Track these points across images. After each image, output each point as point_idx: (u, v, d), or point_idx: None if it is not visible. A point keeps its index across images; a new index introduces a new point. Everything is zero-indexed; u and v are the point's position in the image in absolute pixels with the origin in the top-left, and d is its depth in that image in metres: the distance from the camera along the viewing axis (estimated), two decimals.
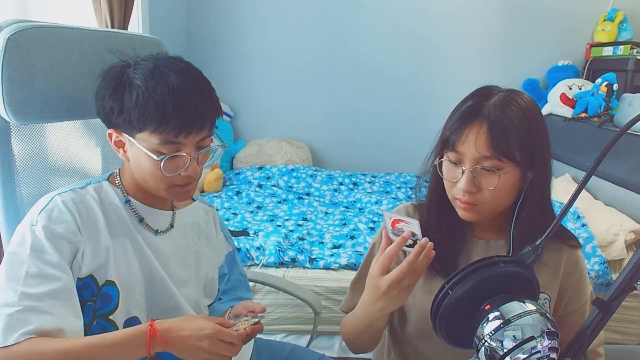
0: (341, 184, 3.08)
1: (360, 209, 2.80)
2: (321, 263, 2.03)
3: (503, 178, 0.87)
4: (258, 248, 2.07)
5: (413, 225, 0.82)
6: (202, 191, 2.90)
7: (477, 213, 0.91)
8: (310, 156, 3.38)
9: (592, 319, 0.72)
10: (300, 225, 2.49)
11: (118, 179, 0.95)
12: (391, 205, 2.77)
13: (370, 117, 3.39)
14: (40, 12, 2.04)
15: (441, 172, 0.94)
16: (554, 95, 2.94)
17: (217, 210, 1.17)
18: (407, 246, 0.82)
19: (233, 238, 1.22)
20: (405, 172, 3.24)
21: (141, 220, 0.95)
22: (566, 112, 2.85)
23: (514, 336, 0.65)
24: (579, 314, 1.01)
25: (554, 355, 0.65)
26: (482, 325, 0.69)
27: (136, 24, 2.59)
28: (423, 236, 0.82)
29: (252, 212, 2.65)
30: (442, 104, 3.18)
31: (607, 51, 2.96)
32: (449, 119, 0.93)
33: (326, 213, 2.73)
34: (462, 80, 3.22)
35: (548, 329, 0.65)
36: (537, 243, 0.72)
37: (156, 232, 0.97)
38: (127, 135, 0.87)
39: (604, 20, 3.06)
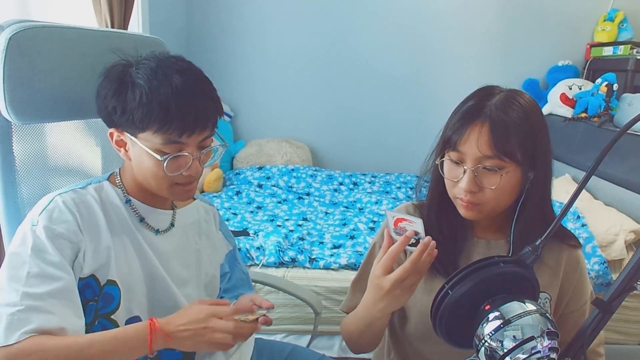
0: (341, 184, 3.08)
1: (360, 209, 2.80)
2: (321, 263, 2.04)
3: (504, 177, 0.87)
4: (258, 248, 2.07)
5: (416, 224, 0.82)
6: (202, 191, 2.90)
7: (478, 212, 0.91)
8: (310, 156, 3.38)
9: (592, 319, 0.72)
10: (300, 225, 2.49)
11: (118, 178, 0.95)
12: (391, 205, 2.77)
13: (370, 117, 3.39)
14: (40, 12, 2.04)
15: (442, 172, 0.94)
16: (554, 95, 2.94)
17: (217, 210, 1.17)
18: (409, 245, 0.82)
19: (234, 238, 1.21)
20: (405, 172, 3.24)
21: (142, 220, 0.95)
22: (566, 112, 2.85)
23: (514, 336, 0.65)
24: (579, 313, 1.01)
25: (554, 355, 0.65)
26: (482, 325, 0.69)
27: (136, 24, 2.59)
28: (425, 235, 0.82)
29: (252, 212, 2.65)
30: (442, 104, 3.18)
31: (607, 51, 2.96)
32: (450, 118, 0.93)
33: (326, 213, 2.73)
34: (462, 80, 3.22)
35: (548, 329, 0.65)
36: (537, 243, 0.73)
37: (157, 231, 0.97)
38: (129, 135, 0.87)
39: (604, 20, 3.06)
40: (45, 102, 0.94)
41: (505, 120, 0.87)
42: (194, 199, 1.10)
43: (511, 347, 0.65)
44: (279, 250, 2.06)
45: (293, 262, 2.05)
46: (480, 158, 0.87)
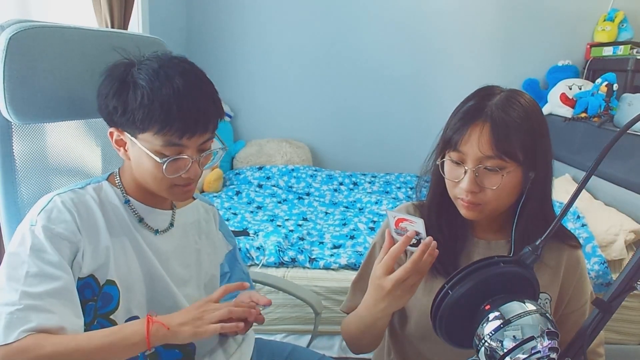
0: (341, 184, 3.08)
1: (360, 209, 2.80)
2: (321, 263, 2.04)
3: (505, 178, 0.87)
4: (258, 248, 2.07)
5: (417, 224, 0.82)
6: (202, 191, 2.90)
7: (479, 212, 0.91)
8: (310, 156, 3.38)
9: (592, 319, 0.72)
10: (300, 225, 2.49)
11: (118, 178, 0.95)
12: (391, 205, 2.76)
13: (370, 117, 3.39)
14: (40, 12, 2.04)
15: (443, 172, 0.94)
16: (554, 95, 2.94)
17: (217, 210, 1.17)
18: (410, 245, 0.82)
19: (234, 237, 1.21)
20: (405, 172, 3.24)
21: (141, 220, 0.95)
22: (566, 112, 2.85)
23: (514, 336, 0.65)
24: (579, 313, 1.01)
25: (554, 355, 0.65)
26: (482, 325, 0.69)
27: (136, 24, 2.59)
28: (426, 235, 0.82)
29: (252, 212, 2.65)
30: (442, 104, 3.18)
31: (607, 51, 2.96)
32: (451, 119, 0.93)
33: (326, 213, 2.73)
34: (462, 80, 3.22)
35: (548, 329, 0.65)
36: (537, 243, 0.73)
37: (156, 231, 0.97)
38: (129, 135, 0.87)
39: (604, 20, 3.06)
40: (45, 102, 0.94)
41: (506, 120, 0.87)
42: (194, 199, 1.10)
43: (511, 347, 0.65)
44: (279, 250, 2.06)
45: (293, 262, 2.05)
46: (481, 158, 0.87)
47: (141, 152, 0.86)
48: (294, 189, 3.01)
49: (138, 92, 0.83)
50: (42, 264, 0.79)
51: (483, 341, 0.68)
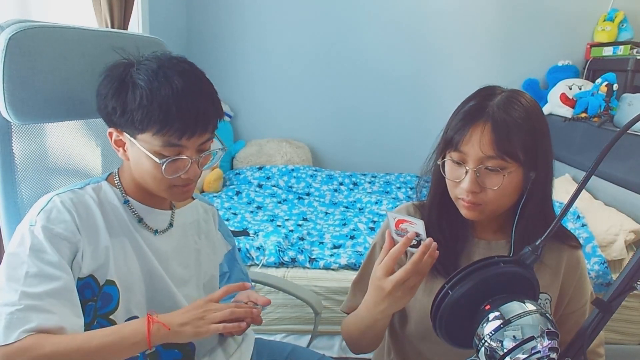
0: (341, 184, 3.08)
1: (360, 209, 2.80)
2: (321, 263, 2.03)
3: (506, 178, 0.87)
4: (258, 248, 2.07)
5: (417, 226, 0.82)
6: (202, 191, 2.90)
7: (480, 212, 0.91)
8: (310, 156, 3.38)
9: (592, 319, 0.72)
10: (300, 225, 2.49)
11: (117, 178, 0.95)
12: (391, 205, 2.77)
13: (370, 117, 3.39)
14: (40, 12, 2.04)
15: (444, 172, 0.94)
16: (554, 95, 2.94)
17: (217, 210, 1.17)
18: (410, 246, 0.82)
19: (234, 237, 1.21)
20: (405, 172, 3.24)
21: (140, 220, 0.95)
22: (566, 112, 2.85)
23: (514, 336, 0.65)
24: (579, 313, 1.01)
25: (554, 355, 0.65)
26: (482, 325, 0.69)
27: (136, 24, 2.59)
28: (426, 236, 0.82)
29: (252, 212, 2.65)
30: (442, 104, 3.19)
31: (607, 51, 2.96)
32: (452, 119, 0.93)
33: (326, 213, 2.73)
34: (462, 80, 3.22)
35: (548, 329, 0.65)
36: (537, 243, 0.73)
37: (155, 231, 0.97)
38: (128, 136, 0.87)
39: (604, 20, 3.06)
40: (45, 102, 0.94)
41: (507, 121, 0.87)
42: (193, 199, 1.10)
43: (511, 347, 0.65)
44: (279, 250, 2.06)
45: (293, 262, 2.04)
46: (482, 158, 0.87)
47: (140, 152, 0.86)
48: (294, 189, 3.01)
49: (137, 92, 0.83)
50: (41, 264, 0.79)
51: (483, 341, 0.68)
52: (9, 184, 0.97)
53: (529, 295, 0.72)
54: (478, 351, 0.69)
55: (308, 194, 2.99)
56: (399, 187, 3.06)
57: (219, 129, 0.93)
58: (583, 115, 2.71)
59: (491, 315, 0.68)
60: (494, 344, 0.66)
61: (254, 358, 1.11)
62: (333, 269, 2.03)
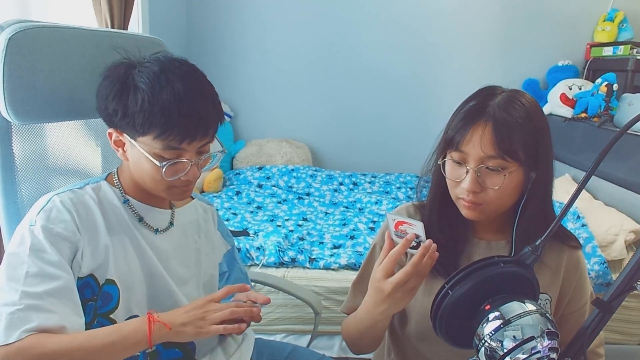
0: (341, 184, 3.08)
1: (360, 209, 2.80)
2: (321, 263, 2.03)
3: (507, 178, 0.87)
4: (258, 248, 2.07)
5: (417, 227, 0.82)
6: (202, 191, 2.90)
7: (480, 212, 0.91)
8: (310, 156, 3.38)
9: (592, 319, 0.72)
10: (300, 226, 2.49)
11: (116, 178, 0.95)
12: (391, 205, 2.77)
13: (370, 117, 3.39)
14: (40, 12, 2.04)
15: (444, 172, 0.94)
16: (554, 95, 2.94)
17: (217, 210, 1.17)
18: (410, 248, 0.82)
19: (233, 237, 1.22)
20: (405, 172, 3.24)
21: (141, 219, 0.95)
22: (566, 112, 2.85)
23: (514, 336, 0.65)
24: (580, 314, 1.01)
25: (554, 355, 0.65)
26: (482, 325, 0.69)
27: (136, 24, 2.59)
28: (426, 237, 0.82)
29: (252, 212, 2.65)
30: (442, 104, 3.19)
31: (607, 51, 2.96)
32: (452, 119, 0.93)
33: (326, 213, 2.73)
34: (462, 80, 3.22)
35: (548, 329, 0.65)
36: (537, 243, 0.72)
37: (156, 230, 0.97)
38: (128, 137, 0.87)
39: (604, 20, 3.06)
40: (45, 102, 0.94)
41: (508, 120, 0.86)
42: (192, 199, 1.10)
43: (511, 347, 0.65)
44: (279, 250, 2.06)
45: (293, 262, 2.04)
46: (483, 158, 0.87)
47: (140, 154, 0.86)
48: (294, 189, 3.01)
49: (139, 95, 0.83)
50: (42, 264, 0.79)
51: (483, 341, 0.68)
52: (9, 184, 0.97)
53: (529, 295, 0.72)
54: (478, 351, 0.69)
55: (308, 194, 2.99)
56: (399, 187, 3.06)
57: (219, 129, 0.93)
58: (583, 115, 2.71)
59: (491, 315, 0.68)
60: (494, 344, 0.66)
61: (254, 358, 1.11)
62: (333, 269, 2.03)
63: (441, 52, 3.28)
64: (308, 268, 2.04)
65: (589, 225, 2.15)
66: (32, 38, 0.90)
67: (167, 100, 0.82)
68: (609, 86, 2.60)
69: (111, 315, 0.88)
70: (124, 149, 0.90)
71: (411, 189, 3.04)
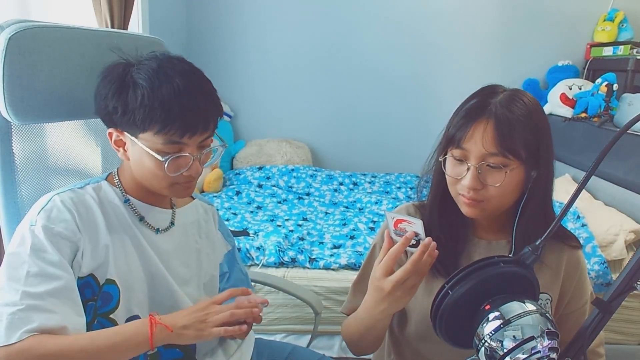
0: (341, 184, 3.08)
1: (360, 209, 2.80)
2: (321, 263, 2.03)
3: (508, 175, 0.87)
4: (258, 248, 2.07)
5: (416, 225, 0.81)
6: (202, 191, 2.90)
7: (481, 210, 0.91)
8: (310, 156, 3.38)
9: (592, 319, 0.72)
10: (300, 225, 2.49)
11: (117, 178, 0.95)
12: (391, 205, 2.77)
13: (370, 117, 3.39)
14: (40, 12, 2.04)
15: (444, 169, 0.94)
16: (554, 95, 2.94)
17: (217, 210, 1.17)
18: (410, 246, 0.82)
19: (233, 238, 1.22)
20: (405, 172, 3.24)
21: (142, 219, 0.95)
22: (566, 112, 2.85)
23: (514, 336, 0.65)
24: (579, 313, 1.01)
25: (554, 355, 0.65)
26: (482, 325, 0.69)
27: (136, 24, 2.59)
28: (426, 236, 0.82)
29: (252, 212, 2.65)
30: (442, 104, 3.19)
31: (607, 51, 2.96)
32: (453, 116, 0.93)
33: (326, 213, 2.73)
34: (462, 80, 3.22)
35: (548, 329, 0.65)
36: (537, 243, 0.72)
37: (157, 230, 0.97)
38: (128, 135, 0.87)
39: (604, 20, 3.06)
40: (45, 102, 0.94)
41: (510, 118, 0.87)
42: (193, 199, 1.10)
43: (511, 347, 0.65)
44: (279, 250, 2.06)
45: (293, 262, 2.04)
46: (484, 155, 0.87)
47: (142, 151, 0.86)
48: (294, 189, 3.01)
49: (138, 91, 0.83)
50: (42, 264, 0.79)
51: (483, 341, 0.68)
52: (9, 184, 0.97)
53: (529, 295, 0.72)
54: (478, 351, 0.69)
55: (308, 194, 2.99)
56: (399, 187, 3.06)
57: (219, 129, 0.93)
58: (583, 115, 2.71)
59: (491, 315, 0.68)
60: (494, 344, 0.66)
61: (254, 358, 1.11)
62: (333, 269, 2.03)
63: (441, 52, 3.28)
64: (308, 268, 2.04)
65: (589, 225, 2.15)
66: (32, 38, 0.90)
67: (166, 95, 0.82)
68: (609, 86, 2.60)
69: (111, 315, 0.88)
70: (125, 148, 0.90)
71: (411, 189, 3.04)
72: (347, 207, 2.85)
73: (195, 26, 3.30)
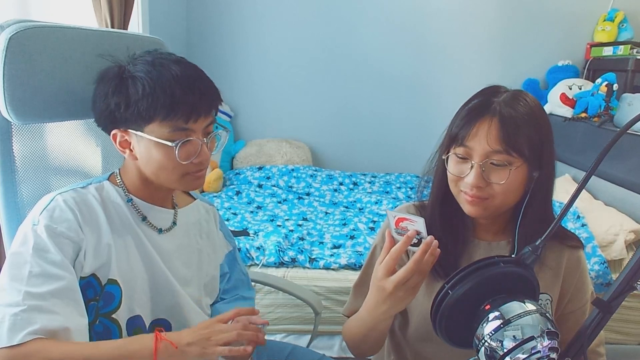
0: (341, 184, 3.08)
1: (360, 209, 2.80)
2: (321, 263, 2.04)
3: (512, 173, 0.87)
4: (258, 248, 2.07)
5: (418, 224, 0.81)
6: (202, 191, 2.90)
7: (484, 208, 0.91)
8: (310, 156, 3.38)
9: (592, 318, 0.72)
10: (300, 225, 2.49)
11: (119, 178, 0.95)
12: (391, 205, 2.77)
13: (370, 117, 3.39)
14: (40, 12, 2.04)
15: (447, 167, 0.93)
16: (554, 95, 2.94)
17: (217, 210, 1.17)
18: (411, 245, 0.81)
19: (234, 238, 1.21)
20: (405, 172, 3.24)
21: (144, 218, 0.95)
22: (566, 112, 2.85)
23: (514, 336, 0.65)
24: (580, 313, 1.01)
25: (554, 355, 0.65)
26: (482, 325, 0.69)
27: (136, 24, 2.59)
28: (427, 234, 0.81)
29: (252, 212, 2.65)
30: (442, 104, 3.20)
31: (607, 51, 2.96)
32: (456, 116, 0.93)
33: (326, 213, 2.73)
34: (462, 80, 3.22)
35: (548, 329, 0.65)
36: (537, 243, 0.72)
37: (159, 230, 0.97)
38: (133, 132, 0.87)
39: (604, 20, 3.06)
40: (45, 102, 0.94)
41: (515, 116, 0.87)
42: (194, 199, 1.10)
43: (511, 347, 0.65)
44: (279, 250, 2.06)
45: (293, 262, 2.05)
46: (488, 153, 0.87)
47: (150, 145, 0.86)
48: (294, 189, 3.01)
49: (138, 83, 0.85)
50: (44, 264, 0.79)
51: (483, 341, 0.68)
52: (9, 183, 0.96)
53: (529, 295, 0.72)
54: (478, 351, 0.69)
55: (308, 194, 2.99)
56: (399, 187, 3.06)
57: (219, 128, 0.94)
58: (583, 115, 2.71)
59: (491, 315, 0.68)
60: (494, 344, 0.66)
61: (254, 358, 1.11)
62: (333, 269, 2.03)
63: (441, 52, 3.28)
64: (308, 268, 2.04)
65: (589, 225, 2.15)
66: (32, 38, 0.90)
67: (167, 82, 0.84)
68: (609, 86, 2.60)
69: (113, 315, 0.88)
70: (131, 147, 0.90)
71: (411, 189, 3.04)
72: (347, 207, 2.85)
73: (195, 26, 3.30)
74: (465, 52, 3.27)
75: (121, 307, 0.89)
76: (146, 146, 0.87)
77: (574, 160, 2.64)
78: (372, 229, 2.46)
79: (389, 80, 3.33)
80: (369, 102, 3.37)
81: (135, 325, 0.91)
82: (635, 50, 2.75)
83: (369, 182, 3.11)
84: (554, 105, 2.93)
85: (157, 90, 0.83)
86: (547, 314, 0.67)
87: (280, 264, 2.03)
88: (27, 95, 0.90)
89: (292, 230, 2.37)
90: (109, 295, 0.88)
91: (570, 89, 2.88)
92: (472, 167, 0.88)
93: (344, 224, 2.53)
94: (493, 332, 0.67)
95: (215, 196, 2.82)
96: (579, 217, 2.21)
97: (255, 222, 2.47)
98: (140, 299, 0.92)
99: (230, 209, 2.62)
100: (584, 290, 1.02)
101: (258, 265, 2.01)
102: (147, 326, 0.94)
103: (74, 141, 1.09)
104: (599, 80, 2.70)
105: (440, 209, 0.99)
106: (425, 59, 3.30)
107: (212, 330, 0.84)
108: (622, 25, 3.00)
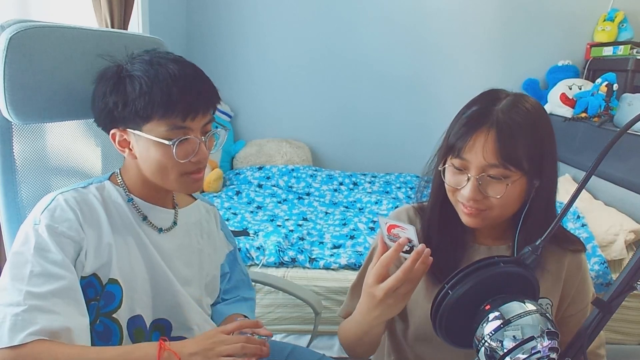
0: (341, 184, 3.08)
1: (360, 209, 2.80)
2: (321, 263, 2.04)
3: (510, 187, 0.85)
4: (258, 248, 2.07)
5: (409, 231, 0.79)
6: (202, 191, 2.90)
7: (482, 219, 0.89)
8: (310, 156, 3.38)
9: (592, 319, 0.72)
10: (300, 225, 2.49)
11: (120, 178, 0.95)
12: (391, 205, 2.77)
13: (370, 117, 3.39)
14: (40, 12, 2.04)
15: (444, 179, 0.92)
16: (554, 95, 2.94)
17: (217, 210, 1.17)
18: (404, 252, 0.80)
19: (235, 238, 1.21)
20: (405, 172, 3.24)
21: (145, 218, 0.95)
22: (566, 112, 2.85)
23: (514, 336, 0.65)
24: (581, 316, 1.01)
25: (554, 356, 0.65)
26: (482, 325, 0.69)
27: (136, 24, 2.59)
28: (426, 241, 0.80)
29: (252, 212, 2.65)
30: (442, 104, 3.20)
31: (607, 51, 2.96)
32: (454, 123, 0.90)
33: (326, 213, 2.73)
34: (462, 80, 3.22)
35: (548, 329, 0.65)
36: (537, 243, 0.72)
37: (160, 230, 0.97)
38: (132, 131, 0.87)
39: (604, 20, 3.06)
40: (45, 102, 0.94)
41: (513, 128, 0.83)
42: (195, 199, 1.10)
43: (511, 347, 0.65)
44: (279, 250, 2.06)
45: (293, 262, 2.05)
46: (485, 167, 0.84)
47: (148, 144, 0.86)
48: (294, 189, 3.01)
49: (135, 82, 0.85)
50: (45, 264, 0.79)
51: (483, 341, 0.68)
52: (9, 183, 0.96)
53: (529, 295, 0.72)
54: (478, 351, 0.69)
55: (308, 194, 2.99)
56: (399, 187, 3.06)
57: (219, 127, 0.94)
58: (583, 115, 2.71)
59: (491, 315, 0.68)
60: (494, 344, 0.66)
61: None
62: (333, 269, 2.03)
63: (441, 52, 3.28)
64: (308, 268, 2.04)
65: (589, 225, 2.15)
66: (32, 38, 0.90)
67: (164, 80, 0.84)
68: (609, 86, 2.60)
69: (114, 315, 0.88)
70: (130, 147, 0.90)
71: (411, 189, 3.04)
72: (347, 207, 2.85)
73: (195, 26, 3.30)
74: (465, 52, 3.27)
75: (122, 307, 0.89)
76: (145, 145, 0.87)
77: (574, 160, 2.64)
78: (372, 229, 2.46)
79: (389, 81, 3.33)
80: (368, 102, 3.37)
81: (136, 325, 0.91)
82: (635, 50, 2.75)
83: (369, 182, 3.11)
84: (554, 105, 2.93)
85: (154, 88, 0.84)
86: (547, 314, 0.67)
87: (280, 264, 2.03)
88: (27, 95, 0.90)
89: (292, 230, 2.37)
90: (110, 294, 0.88)
91: (570, 89, 2.88)
92: (468, 179, 0.86)
93: (344, 224, 2.53)
94: (493, 332, 0.67)
95: (215, 196, 2.82)
96: (579, 217, 2.21)
97: (255, 222, 2.47)
98: (141, 299, 0.92)
99: (230, 209, 2.62)
100: (586, 293, 1.01)
101: (258, 265, 2.01)
102: (148, 326, 0.94)
103: (74, 141, 1.09)
104: (599, 80, 2.70)
105: (440, 213, 0.97)
106: (425, 59, 3.30)
107: (216, 341, 0.83)
108: (622, 25, 3.00)
